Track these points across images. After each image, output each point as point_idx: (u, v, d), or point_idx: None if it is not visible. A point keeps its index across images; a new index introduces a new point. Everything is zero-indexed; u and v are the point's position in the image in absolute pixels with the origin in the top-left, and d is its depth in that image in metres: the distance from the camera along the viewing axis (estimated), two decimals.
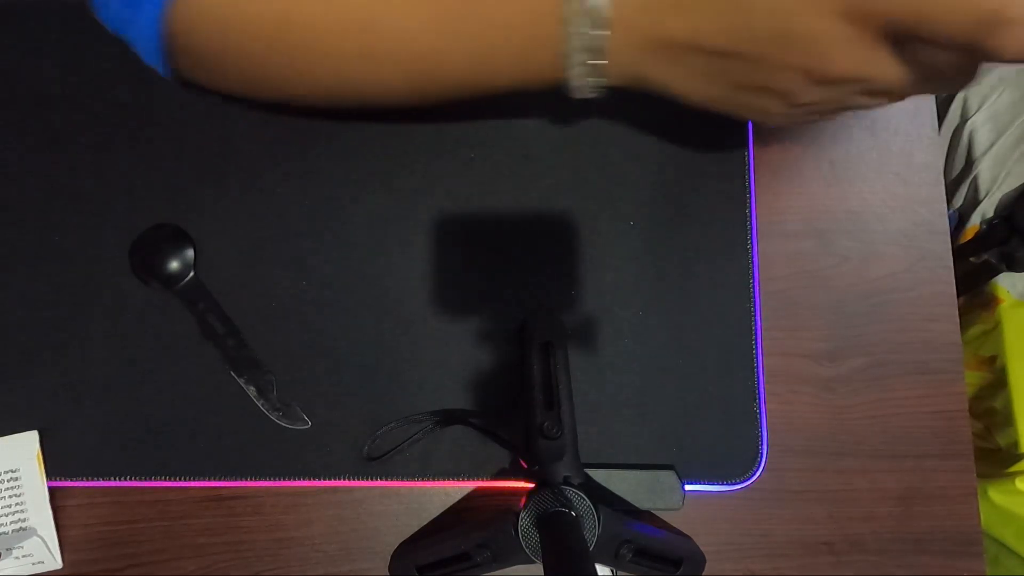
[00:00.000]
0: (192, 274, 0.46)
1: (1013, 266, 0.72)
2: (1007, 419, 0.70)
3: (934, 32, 0.30)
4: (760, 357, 0.46)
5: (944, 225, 0.49)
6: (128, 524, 0.45)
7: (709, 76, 0.36)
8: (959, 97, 0.79)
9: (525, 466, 0.43)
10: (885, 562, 0.45)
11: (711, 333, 0.46)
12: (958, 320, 0.48)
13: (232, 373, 0.45)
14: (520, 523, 0.38)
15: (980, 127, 0.77)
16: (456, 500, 0.46)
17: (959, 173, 0.79)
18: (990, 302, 0.74)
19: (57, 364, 0.45)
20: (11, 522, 0.44)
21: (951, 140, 0.80)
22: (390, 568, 0.43)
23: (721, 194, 0.48)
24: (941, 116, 0.80)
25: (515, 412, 0.44)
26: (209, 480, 0.45)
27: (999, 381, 0.71)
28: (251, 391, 0.45)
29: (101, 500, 0.45)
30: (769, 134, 0.49)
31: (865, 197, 0.50)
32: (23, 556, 0.44)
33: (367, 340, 0.46)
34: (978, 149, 0.77)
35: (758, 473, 0.45)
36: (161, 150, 0.42)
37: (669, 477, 0.44)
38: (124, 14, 0.38)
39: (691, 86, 0.37)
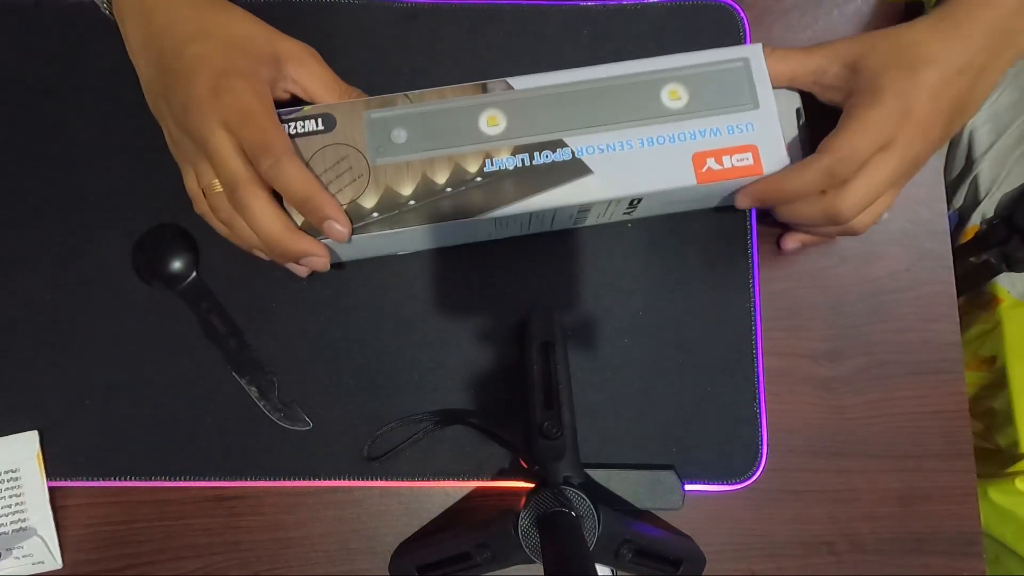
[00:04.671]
0: (194, 274, 0.46)
1: (1013, 266, 0.72)
2: (1007, 419, 0.69)
3: None
4: (760, 357, 0.46)
5: (944, 225, 0.49)
6: (128, 524, 0.45)
7: None
8: None
9: (525, 466, 0.43)
10: (885, 562, 0.45)
11: (711, 333, 0.46)
12: (958, 320, 0.48)
13: (234, 374, 0.45)
14: (520, 523, 0.38)
15: (980, 127, 0.77)
16: (456, 500, 0.46)
17: (959, 173, 0.79)
18: (990, 302, 0.74)
19: (57, 364, 0.45)
20: (11, 522, 0.44)
21: (951, 140, 0.80)
22: (390, 568, 0.43)
23: None
24: None
25: (515, 412, 0.44)
26: (209, 480, 0.45)
27: (999, 381, 0.71)
28: (253, 392, 0.45)
29: (101, 500, 0.45)
30: None
31: None
32: (23, 556, 0.44)
33: (367, 340, 0.46)
34: (978, 149, 0.77)
35: (758, 473, 0.45)
36: (163, 150, 0.42)
37: (669, 477, 0.44)
38: None
39: None
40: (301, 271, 0.43)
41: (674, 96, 0.42)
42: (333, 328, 0.46)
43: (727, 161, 0.41)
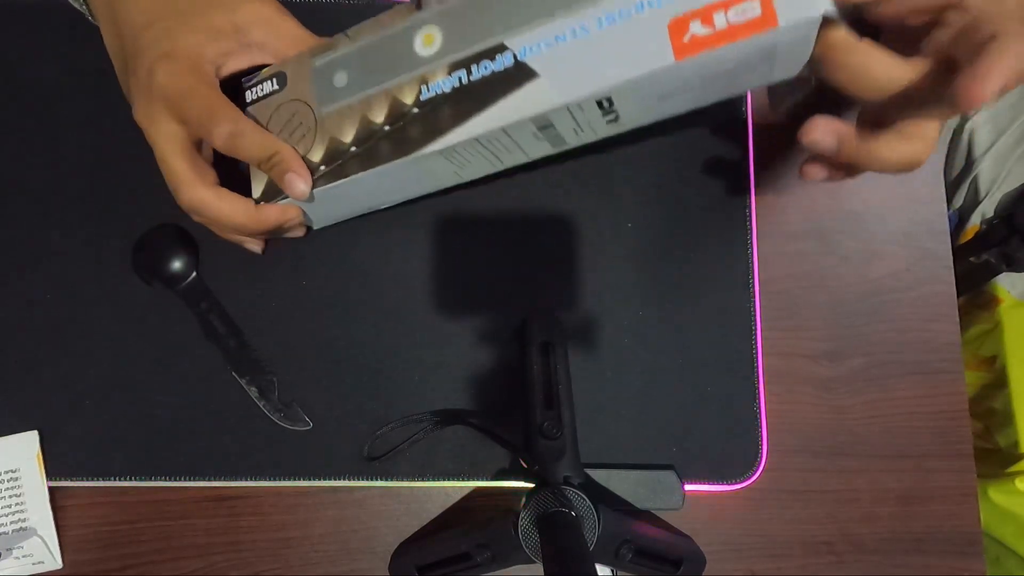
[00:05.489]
0: (194, 274, 0.46)
1: (1013, 266, 0.72)
2: (1007, 419, 0.70)
3: None
4: (760, 357, 0.46)
5: (944, 225, 0.49)
6: (128, 524, 0.45)
7: None
8: None
9: (525, 466, 0.43)
10: (885, 562, 0.45)
11: (711, 333, 0.46)
12: (958, 320, 0.48)
13: (234, 374, 0.45)
14: (520, 523, 0.38)
15: (980, 127, 0.77)
16: (456, 500, 0.46)
17: (959, 173, 0.79)
18: (990, 302, 0.74)
19: (57, 364, 0.45)
20: (11, 522, 0.44)
21: (951, 140, 0.80)
22: (390, 568, 0.43)
23: (721, 194, 0.48)
24: None
25: (515, 412, 0.44)
26: (209, 480, 0.45)
27: (999, 381, 0.71)
28: (253, 392, 0.45)
29: (101, 500, 0.45)
30: (768, 134, 0.49)
31: (865, 197, 0.50)
32: (23, 556, 0.44)
33: (367, 340, 0.46)
34: (978, 149, 0.77)
35: (758, 473, 0.45)
36: None
37: (669, 477, 0.44)
38: None
39: None
40: (297, 233, 0.44)
41: None
42: (333, 328, 0.46)
43: (719, 19, 0.29)
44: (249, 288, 0.46)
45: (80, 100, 0.48)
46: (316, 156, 0.38)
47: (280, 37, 0.40)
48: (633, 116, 0.36)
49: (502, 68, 0.34)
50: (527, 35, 0.33)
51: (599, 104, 0.34)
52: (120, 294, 0.46)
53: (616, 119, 0.36)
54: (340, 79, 0.38)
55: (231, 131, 0.37)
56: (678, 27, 0.30)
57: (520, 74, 0.33)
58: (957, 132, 0.79)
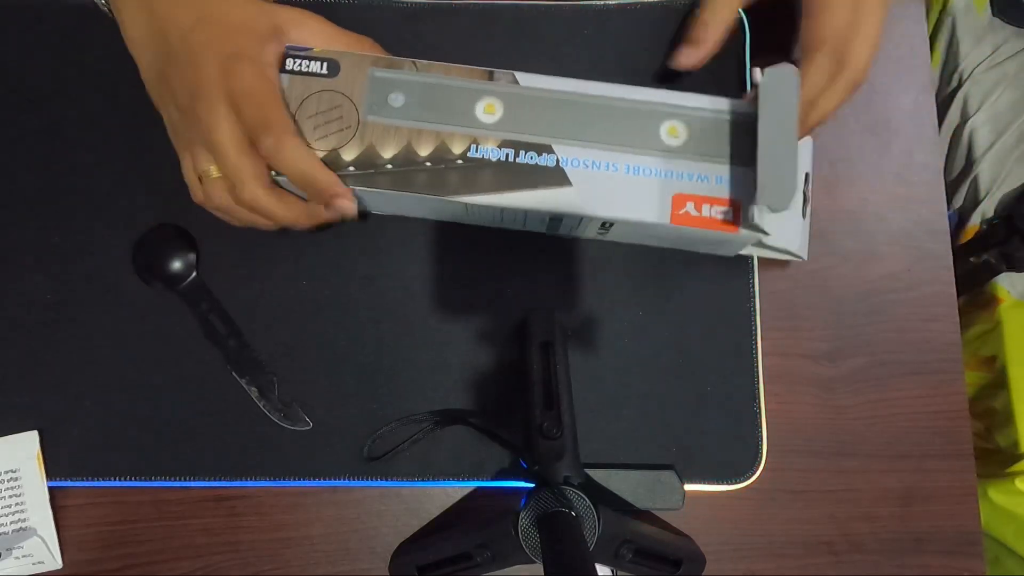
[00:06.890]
0: (194, 274, 0.46)
1: (1013, 266, 0.72)
2: (1007, 419, 0.69)
3: None
4: (760, 357, 0.46)
5: (944, 225, 0.49)
6: (128, 524, 0.45)
7: None
8: (959, 97, 0.79)
9: (525, 466, 0.43)
10: (885, 562, 0.45)
11: (711, 333, 0.46)
12: (958, 320, 0.48)
13: (234, 374, 0.45)
14: (520, 523, 0.38)
15: (980, 127, 0.77)
16: (456, 500, 0.46)
17: (959, 173, 0.79)
18: (990, 302, 0.74)
19: (57, 364, 0.45)
20: (11, 522, 0.44)
21: (951, 140, 0.80)
22: (390, 568, 0.43)
23: None
24: (941, 116, 0.80)
25: (515, 412, 0.44)
26: (209, 480, 0.45)
27: (999, 381, 0.71)
28: (253, 392, 0.45)
29: (101, 500, 0.45)
30: None
31: (865, 197, 0.50)
32: (23, 556, 0.44)
33: (367, 340, 0.46)
34: (978, 149, 0.77)
35: (758, 473, 0.45)
36: (163, 149, 0.42)
37: (669, 477, 0.44)
38: None
39: None
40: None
41: (673, 133, 0.41)
42: (333, 328, 0.46)
43: (707, 210, 0.40)
44: (249, 288, 0.46)
45: (80, 100, 0.48)
46: (348, 155, 0.41)
47: (312, 35, 0.42)
48: (620, 236, 0.46)
49: (544, 165, 0.41)
50: (572, 149, 0.41)
51: (602, 223, 0.42)
52: (120, 294, 0.46)
53: (605, 234, 0.45)
54: (396, 99, 0.41)
55: (275, 145, 0.38)
56: (679, 201, 0.41)
57: (556, 176, 0.41)
58: (957, 132, 0.79)
